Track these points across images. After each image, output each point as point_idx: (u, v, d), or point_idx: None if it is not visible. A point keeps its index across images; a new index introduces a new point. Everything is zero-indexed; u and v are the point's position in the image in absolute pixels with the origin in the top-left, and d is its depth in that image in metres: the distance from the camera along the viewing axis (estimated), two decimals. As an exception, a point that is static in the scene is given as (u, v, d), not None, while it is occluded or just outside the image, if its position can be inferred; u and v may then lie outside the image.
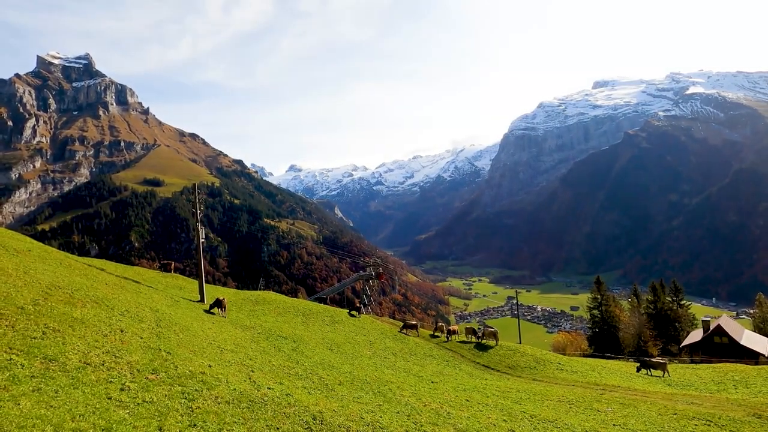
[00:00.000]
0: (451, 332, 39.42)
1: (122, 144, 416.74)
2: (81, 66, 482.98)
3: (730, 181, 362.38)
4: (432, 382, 21.60)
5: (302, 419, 10.28)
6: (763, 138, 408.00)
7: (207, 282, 36.35)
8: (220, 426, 8.97)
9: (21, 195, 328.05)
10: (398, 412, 13.10)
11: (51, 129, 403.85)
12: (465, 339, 39.67)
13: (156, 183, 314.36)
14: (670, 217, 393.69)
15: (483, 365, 32.12)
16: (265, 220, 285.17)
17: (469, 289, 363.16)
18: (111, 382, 9.64)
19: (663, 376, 30.69)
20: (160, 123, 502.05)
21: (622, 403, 18.94)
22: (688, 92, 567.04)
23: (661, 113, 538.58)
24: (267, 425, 9.58)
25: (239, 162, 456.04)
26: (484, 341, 38.14)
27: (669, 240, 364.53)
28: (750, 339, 50.40)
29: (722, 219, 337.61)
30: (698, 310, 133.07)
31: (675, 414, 17.25)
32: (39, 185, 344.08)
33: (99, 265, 30.38)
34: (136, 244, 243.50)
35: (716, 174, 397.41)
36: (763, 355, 46.02)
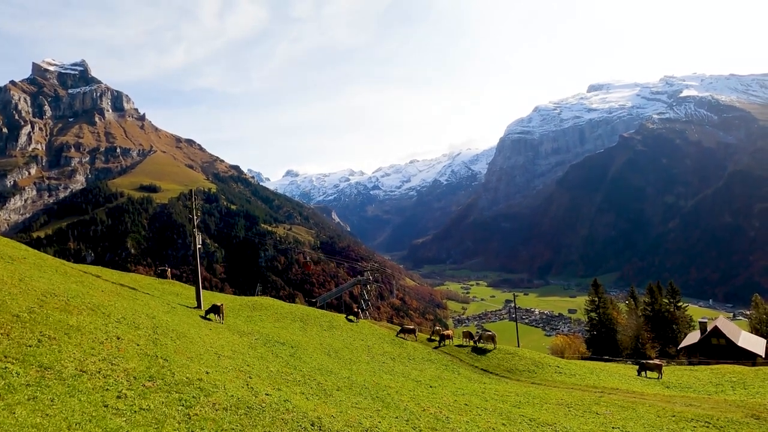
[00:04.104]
0: (444, 337, 38.24)
1: (118, 150, 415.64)
2: (77, 72, 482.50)
3: (725, 183, 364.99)
4: (430, 386, 21.55)
5: (300, 425, 10.23)
6: (756, 140, 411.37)
7: (204, 288, 36.22)
8: (217, 433, 8.91)
9: (16, 202, 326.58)
10: (397, 417, 13.07)
11: (46, 136, 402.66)
12: (463, 343, 39.51)
13: (152, 189, 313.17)
14: (666, 219, 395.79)
15: (482, 369, 32.07)
16: (263, 225, 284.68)
17: (467, 292, 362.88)
18: (107, 389, 9.58)
19: (658, 378, 30.82)
20: (156, 129, 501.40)
21: (621, 406, 18.95)
22: (682, 95, 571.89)
23: (655, 116, 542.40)
24: (265, 431, 9.53)
25: (236, 167, 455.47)
26: (481, 345, 38.05)
27: (665, 242, 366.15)
28: (747, 340, 50.59)
29: (718, 221, 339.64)
30: (695, 311, 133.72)
31: (674, 416, 17.28)
32: (34, 192, 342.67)
33: (95, 272, 30.22)
34: (133, 251, 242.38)
35: (711, 176, 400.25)
36: (760, 356, 46.22)
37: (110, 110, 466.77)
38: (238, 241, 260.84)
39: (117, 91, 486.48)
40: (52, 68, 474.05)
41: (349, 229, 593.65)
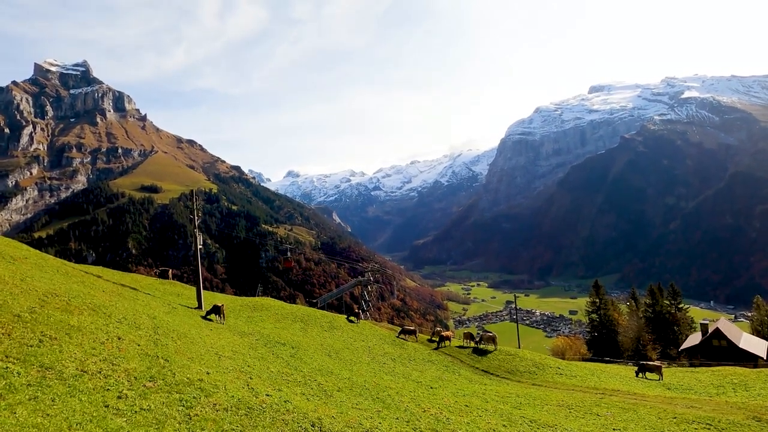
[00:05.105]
0: (443, 338, 38.05)
1: (119, 150, 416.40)
2: (78, 73, 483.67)
3: (726, 184, 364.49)
4: (431, 387, 21.53)
5: (301, 426, 10.22)
6: (758, 141, 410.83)
7: (205, 288, 36.22)
8: (218, 433, 8.90)
9: (18, 202, 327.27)
10: (397, 418, 13.05)
11: (48, 136, 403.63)
12: (463, 344, 39.46)
13: (153, 189, 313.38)
14: (667, 220, 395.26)
15: (482, 370, 32.03)
16: (263, 226, 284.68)
17: (468, 293, 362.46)
18: (108, 390, 9.59)
19: (659, 379, 30.79)
20: (157, 129, 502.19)
21: (622, 408, 18.91)
22: (683, 96, 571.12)
23: (656, 117, 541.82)
24: (265, 432, 9.52)
25: (237, 168, 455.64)
26: (482, 346, 38.01)
27: (666, 243, 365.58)
28: (748, 342, 50.49)
29: (719, 222, 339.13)
30: (696, 313, 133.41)
31: (675, 418, 17.24)
32: (36, 192, 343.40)
33: (96, 273, 30.25)
34: (134, 251, 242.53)
35: (712, 177, 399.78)
36: (762, 358, 46.10)
37: (112, 111, 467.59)
38: (239, 241, 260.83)
39: (118, 92, 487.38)
40: (53, 69, 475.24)
41: (349, 230, 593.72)
